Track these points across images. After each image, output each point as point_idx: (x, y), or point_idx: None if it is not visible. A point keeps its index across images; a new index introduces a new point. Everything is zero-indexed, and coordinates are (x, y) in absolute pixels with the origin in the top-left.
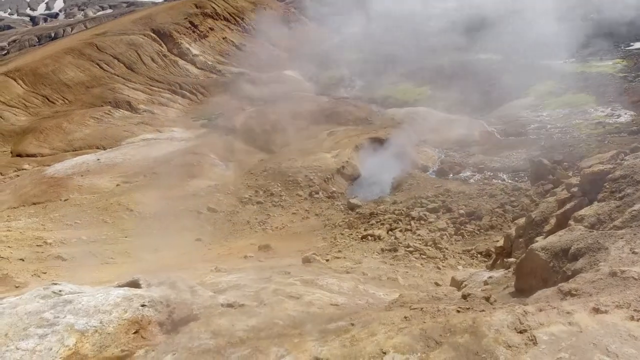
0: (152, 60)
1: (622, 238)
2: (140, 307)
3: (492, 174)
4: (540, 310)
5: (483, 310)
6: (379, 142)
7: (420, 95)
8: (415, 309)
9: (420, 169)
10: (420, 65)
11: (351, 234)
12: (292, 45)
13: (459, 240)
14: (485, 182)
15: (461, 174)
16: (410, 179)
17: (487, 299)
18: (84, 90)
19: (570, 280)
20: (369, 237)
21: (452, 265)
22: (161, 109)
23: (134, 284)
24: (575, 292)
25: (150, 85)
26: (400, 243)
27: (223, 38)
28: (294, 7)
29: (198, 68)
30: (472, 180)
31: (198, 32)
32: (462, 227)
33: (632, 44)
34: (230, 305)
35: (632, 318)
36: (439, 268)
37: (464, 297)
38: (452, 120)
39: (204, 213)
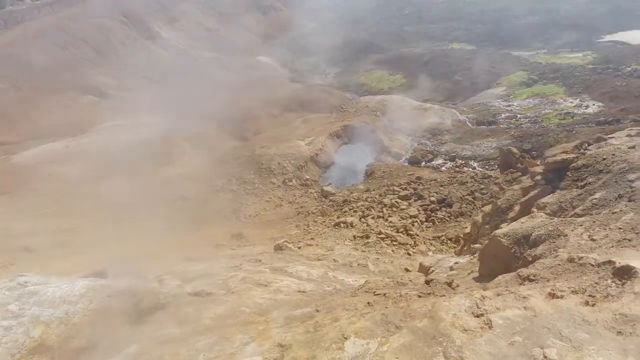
0: (123, 44)
1: (581, 225)
2: (106, 298)
3: (463, 162)
4: (498, 295)
5: (443, 295)
6: (352, 130)
7: (394, 83)
8: (379, 294)
9: (393, 157)
10: (394, 54)
11: (324, 222)
12: (266, 31)
13: (429, 227)
14: (456, 170)
15: (433, 162)
16: (384, 166)
17: (449, 284)
18: (52, 75)
19: (530, 265)
20: (342, 225)
21: (423, 251)
22: (131, 94)
23: (101, 274)
24: (533, 278)
25: (120, 70)
26: (372, 230)
27: (196, 22)
28: None
29: (170, 53)
30: (443, 168)
31: (170, 15)
32: (433, 214)
33: (602, 36)
34: (197, 294)
35: (586, 303)
36: (409, 254)
37: (427, 282)
38: (425, 108)
39: (175, 201)
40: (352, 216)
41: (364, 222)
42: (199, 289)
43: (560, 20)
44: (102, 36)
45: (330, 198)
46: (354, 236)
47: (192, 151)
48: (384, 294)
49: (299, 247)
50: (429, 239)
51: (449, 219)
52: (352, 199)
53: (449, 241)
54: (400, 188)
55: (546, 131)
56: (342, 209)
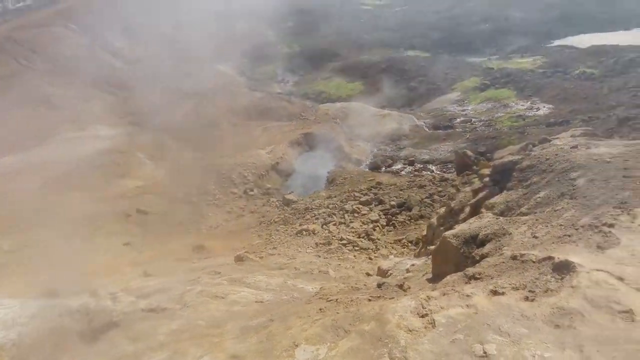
0: (75, 53)
1: (525, 223)
2: (59, 317)
3: (421, 166)
4: (444, 295)
5: (392, 298)
6: (313, 137)
7: (353, 90)
8: (331, 300)
9: (354, 163)
10: (353, 61)
11: (286, 230)
12: (224, 39)
13: (390, 231)
14: (415, 174)
15: (393, 167)
16: (344, 173)
17: (401, 286)
18: (1, 86)
19: (477, 264)
20: (304, 232)
21: (384, 255)
22: (85, 105)
23: (53, 294)
24: (478, 276)
25: (73, 81)
26: (334, 236)
27: (152, 30)
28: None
29: (124, 62)
30: (403, 173)
31: (125, 23)
32: (394, 217)
33: (551, 41)
34: (152, 310)
35: (526, 299)
36: (370, 259)
37: (379, 286)
38: (383, 115)
39: (133, 215)
40: (314, 223)
41: (325, 229)
42: (154, 305)
43: (511, 27)
44: (54, 46)
45: (292, 206)
46: (316, 243)
47: (150, 162)
48: (336, 300)
49: (261, 257)
50: (390, 243)
51: (409, 222)
52: (314, 206)
53: (409, 244)
54: (361, 194)
55: (500, 134)
56: (304, 217)
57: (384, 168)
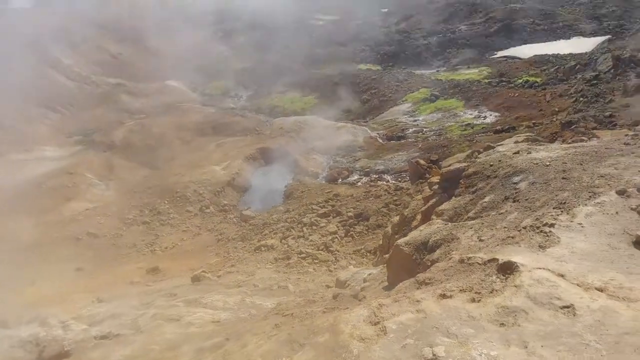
0: (19, 71)
1: (471, 228)
2: (9, 349)
3: (377, 176)
4: (395, 301)
5: (347, 308)
6: (268, 152)
7: (307, 104)
8: (287, 315)
9: (310, 176)
10: (306, 75)
11: (244, 247)
12: (175, 55)
13: (349, 242)
14: (371, 184)
15: (349, 178)
16: (301, 186)
17: (355, 296)
18: None
19: (428, 270)
20: (263, 248)
21: (344, 266)
22: (30, 125)
23: (3, 324)
24: (429, 281)
25: (17, 99)
26: (293, 250)
27: (99, 47)
28: (175, 15)
29: (70, 79)
30: (359, 184)
31: (71, 40)
32: (352, 228)
33: (495, 53)
34: (104, 337)
35: (472, 300)
36: (330, 271)
37: (334, 297)
38: (338, 127)
39: (83, 239)
40: (272, 238)
41: (284, 244)
42: (106, 332)
43: (457, 40)
44: None
45: (250, 222)
46: (275, 258)
47: (100, 183)
48: (292, 314)
49: (219, 276)
50: (349, 254)
51: (367, 232)
52: (272, 221)
53: (368, 253)
54: (319, 206)
55: (450, 142)
56: (262, 232)
57: (340, 180)
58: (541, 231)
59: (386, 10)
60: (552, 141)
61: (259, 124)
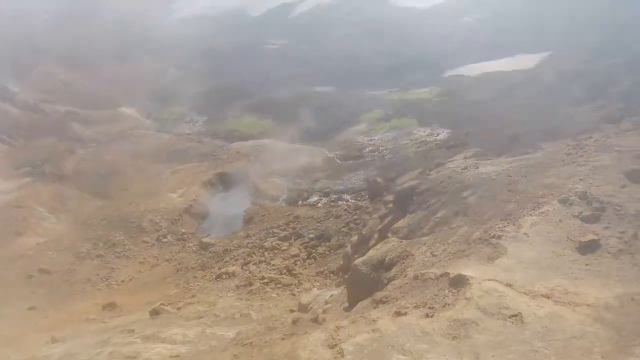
0: None
1: (425, 244)
2: None
3: (336, 196)
4: (352, 322)
5: (306, 332)
6: (226, 177)
7: (264, 127)
8: (246, 344)
9: (270, 199)
10: (262, 99)
11: (205, 276)
12: (128, 81)
13: (312, 264)
14: (331, 204)
15: (309, 200)
16: (262, 210)
17: (315, 319)
18: None
19: (385, 288)
20: (224, 276)
21: (307, 289)
22: None
23: None
24: (385, 300)
25: None
26: (255, 276)
27: (48, 74)
28: (128, 41)
29: (18, 108)
30: (319, 205)
31: (19, 67)
32: (314, 250)
33: (445, 72)
34: None
35: (426, 315)
36: (294, 294)
37: (294, 322)
38: (296, 149)
39: (35, 276)
40: (233, 265)
41: (246, 270)
42: None
43: (408, 61)
44: None
45: (210, 249)
46: (237, 286)
47: (51, 216)
48: (251, 343)
49: (179, 308)
50: (313, 276)
51: (329, 253)
52: (232, 247)
53: (331, 274)
54: (280, 229)
55: (406, 160)
56: (223, 259)
57: (300, 202)
58: (489, 243)
59: (337, 34)
60: (502, 154)
61: (216, 149)
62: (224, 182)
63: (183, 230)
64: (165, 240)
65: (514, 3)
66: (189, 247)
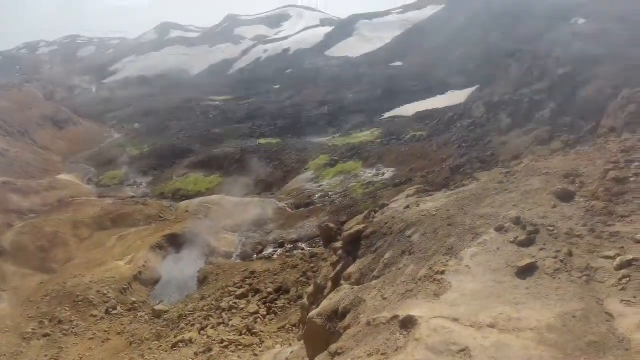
0: None
1: (375, 288)
2: None
3: (291, 245)
4: None
5: None
6: (176, 238)
7: (211, 183)
8: None
9: (224, 256)
10: (207, 155)
11: (160, 346)
12: (66, 147)
13: (272, 319)
14: (287, 255)
15: (264, 252)
16: (216, 269)
17: None
18: None
19: (340, 338)
20: (181, 344)
21: (270, 347)
22: None
23: None
24: (341, 351)
25: None
26: (214, 340)
27: None
28: (64, 106)
29: None
30: (275, 256)
31: None
32: (273, 304)
33: (382, 115)
34: None
35: None
36: (256, 355)
37: None
38: (246, 203)
39: None
40: (190, 331)
41: (204, 335)
42: None
43: (347, 107)
44: None
45: (164, 317)
46: (196, 353)
47: None
48: None
49: None
50: (274, 332)
51: (289, 306)
52: (187, 312)
53: (293, 328)
54: (236, 287)
55: (355, 202)
56: (178, 326)
57: (255, 255)
58: (434, 280)
59: (278, 86)
60: (445, 186)
61: (163, 210)
62: (174, 243)
63: (133, 300)
64: (115, 312)
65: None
66: (141, 317)
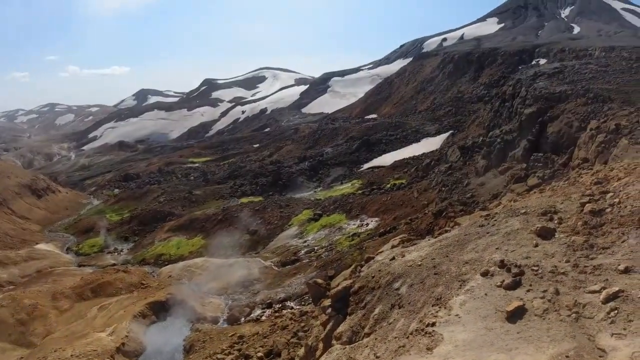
0: None
1: (367, 346)
2: None
3: (280, 305)
4: None
5: None
6: (160, 305)
7: (194, 246)
8: None
9: (210, 322)
10: (188, 218)
11: None
12: (44, 216)
13: None
14: (276, 315)
15: (252, 314)
16: (202, 336)
17: None
18: None
19: None
20: None
21: None
22: None
23: None
24: None
25: None
26: None
27: None
28: (43, 174)
29: None
30: (263, 318)
31: None
32: None
33: (362, 166)
34: None
35: None
36: None
37: None
38: (230, 264)
39: None
40: None
41: None
42: None
43: (327, 161)
44: None
45: None
46: None
47: None
48: None
49: None
50: None
51: None
52: None
53: None
54: (224, 354)
55: (342, 255)
56: None
57: (243, 318)
58: (426, 332)
59: (257, 145)
60: (430, 232)
61: (145, 276)
62: (157, 311)
63: None
64: None
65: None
66: None
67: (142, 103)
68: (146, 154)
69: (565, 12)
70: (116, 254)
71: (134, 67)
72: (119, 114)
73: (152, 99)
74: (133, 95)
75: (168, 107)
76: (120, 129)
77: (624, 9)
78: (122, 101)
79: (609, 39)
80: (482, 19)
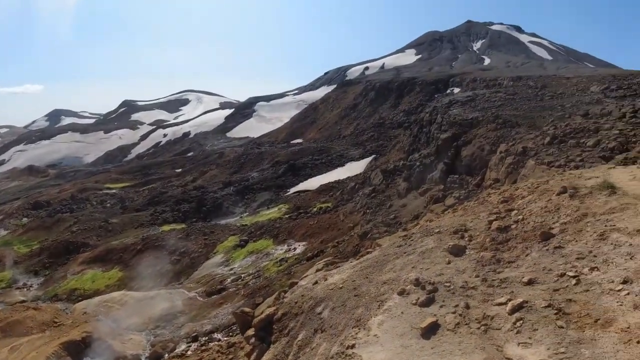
0: None
1: None
2: None
3: (206, 338)
4: None
5: None
6: (75, 345)
7: (111, 279)
8: None
9: None
10: (104, 248)
11: None
12: None
13: None
14: (202, 349)
15: (177, 350)
16: None
17: None
18: None
19: None
20: None
21: None
22: None
23: None
24: None
25: None
26: None
27: None
28: None
29: None
30: (189, 352)
31: None
32: None
33: (288, 190)
34: None
35: None
36: None
37: None
38: (151, 297)
39: None
40: None
41: None
42: None
43: (252, 186)
44: None
45: None
46: None
47: None
48: None
49: None
50: None
51: None
52: None
53: None
54: None
55: (270, 281)
56: None
57: (167, 355)
58: (346, 355)
59: (180, 170)
60: (356, 254)
61: (58, 314)
62: (73, 352)
63: None
64: None
65: (335, 122)
66: None
67: (54, 124)
68: (58, 179)
69: (477, 45)
70: (25, 289)
71: (48, 84)
72: (30, 135)
73: (66, 120)
74: (45, 115)
75: (83, 129)
76: (31, 152)
77: (530, 41)
78: (34, 122)
79: (517, 70)
80: (401, 50)
